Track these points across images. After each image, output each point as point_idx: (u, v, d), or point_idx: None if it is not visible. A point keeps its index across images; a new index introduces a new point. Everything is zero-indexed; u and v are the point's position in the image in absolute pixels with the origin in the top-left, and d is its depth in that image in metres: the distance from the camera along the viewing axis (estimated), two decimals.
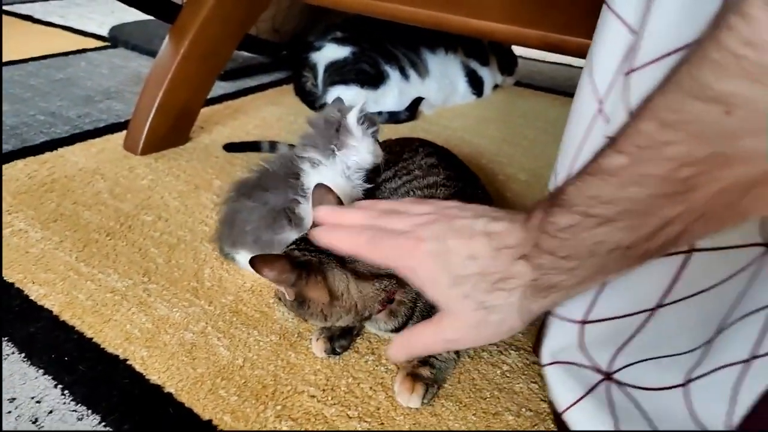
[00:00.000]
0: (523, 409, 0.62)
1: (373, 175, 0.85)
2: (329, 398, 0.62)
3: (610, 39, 0.46)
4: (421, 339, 0.45)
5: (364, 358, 0.68)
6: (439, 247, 0.41)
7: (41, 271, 0.78)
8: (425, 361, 0.64)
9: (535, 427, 0.60)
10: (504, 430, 0.59)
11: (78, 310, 0.72)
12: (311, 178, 0.80)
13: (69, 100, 1.41)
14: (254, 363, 0.66)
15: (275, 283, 0.58)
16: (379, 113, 1.41)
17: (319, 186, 0.64)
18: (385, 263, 0.44)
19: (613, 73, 0.46)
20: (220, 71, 1.29)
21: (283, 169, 0.82)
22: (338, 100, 0.90)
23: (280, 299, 0.63)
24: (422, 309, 0.64)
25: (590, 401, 0.50)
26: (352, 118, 0.80)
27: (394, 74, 1.49)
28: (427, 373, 0.62)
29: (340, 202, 0.65)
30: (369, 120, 0.82)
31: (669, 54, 0.39)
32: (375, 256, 0.45)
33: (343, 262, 0.60)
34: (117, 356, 0.65)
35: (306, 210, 0.80)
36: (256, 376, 0.64)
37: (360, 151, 0.81)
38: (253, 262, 0.56)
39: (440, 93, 1.58)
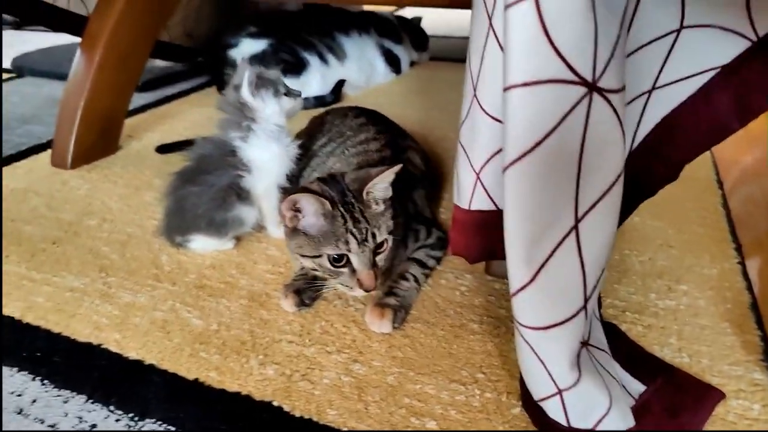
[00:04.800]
0: (485, 318, 0.68)
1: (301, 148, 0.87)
2: (307, 341, 0.65)
3: None
4: None
5: (333, 303, 0.72)
6: None
7: None
8: (389, 292, 0.69)
9: (496, 330, 0.66)
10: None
11: (40, 311, 0.71)
12: (248, 151, 0.83)
13: None
14: (229, 325, 0.68)
15: None
16: (306, 99, 1.44)
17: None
18: None
19: None
20: (139, 77, 1.28)
21: (218, 150, 0.84)
22: (241, 64, 0.86)
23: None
24: None
25: None
26: (245, 94, 0.81)
27: (313, 60, 1.53)
28: (393, 301, 0.67)
29: None
30: (264, 80, 0.82)
31: None
32: None
33: None
34: (90, 343, 0.66)
35: (250, 182, 0.83)
36: (233, 336, 0.66)
37: (271, 116, 0.83)
38: None
39: (361, 74, 1.64)
